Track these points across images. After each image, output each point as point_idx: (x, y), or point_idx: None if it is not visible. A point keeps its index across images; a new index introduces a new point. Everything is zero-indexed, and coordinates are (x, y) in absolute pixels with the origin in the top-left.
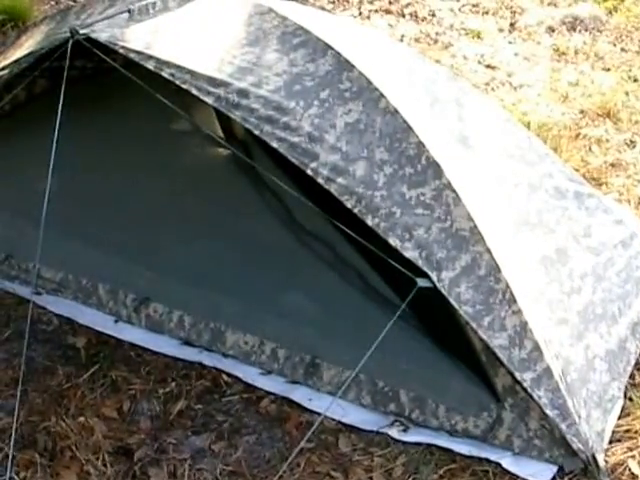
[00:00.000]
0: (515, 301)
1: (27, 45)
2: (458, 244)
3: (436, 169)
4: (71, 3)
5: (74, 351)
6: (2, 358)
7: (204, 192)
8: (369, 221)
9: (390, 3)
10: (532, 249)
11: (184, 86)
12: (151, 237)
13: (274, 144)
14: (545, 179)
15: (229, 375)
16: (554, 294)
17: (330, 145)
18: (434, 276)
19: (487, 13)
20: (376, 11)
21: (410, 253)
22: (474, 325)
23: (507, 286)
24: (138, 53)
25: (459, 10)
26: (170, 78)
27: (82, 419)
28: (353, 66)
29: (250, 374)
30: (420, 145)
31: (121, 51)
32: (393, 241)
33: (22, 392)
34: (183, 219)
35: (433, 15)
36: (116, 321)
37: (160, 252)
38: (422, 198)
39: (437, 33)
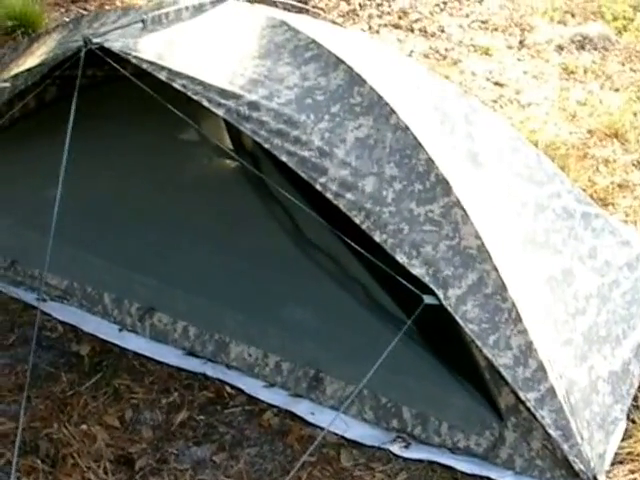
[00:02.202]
0: (521, 320)
1: (39, 53)
2: (465, 262)
3: (445, 186)
4: (81, 11)
5: (78, 358)
6: (6, 364)
7: (211, 203)
8: (377, 237)
9: (400, 18)
10: (538, 269)
11: (195, 97)
12: (157, 247)
13: (283, 158)
14: (553, 199)
15: (232, 387)
16: (559, 314)
17: (340, 160)
18: (440, 293)
19: (496, 30)
20: (385, 25)
21: (417, 270)
22: (479, 343)
23: (513, 305)
24: (151, 63)
25: (468, 26)
26: (182, 89)
27: (84, 427)
28: (364, 81)
29: (253, 386)
30: (430, 162)
31: (134, 61)
32: (400, 258)
33: (26, 398)
34: (190, 229)
35: (442, 31)
36: (120, 330)
37: (166, 262)
38: (430, 215)
39: (446, 49)
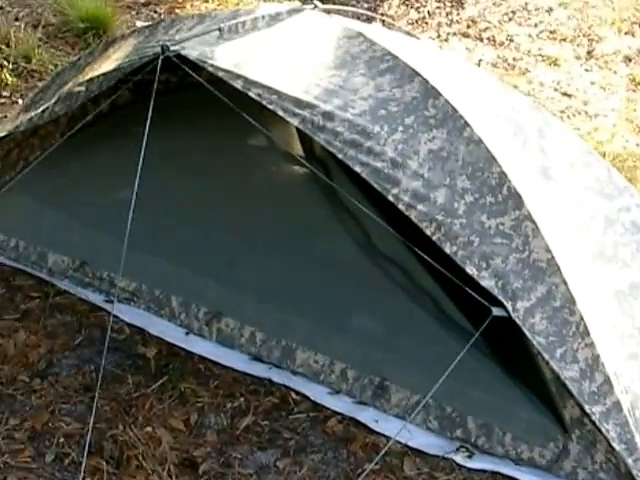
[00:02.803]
0: (588, 334)
1: (115, 57)
2: (535, 275)
3: (517, 199)
4: (152, 14)
5: (144, 361)
6: (73, 364)
7: (281, 209)
8: (447, 249)
9: (468, 27)
10: (606, 282)
11: (270, 107)
12: (225, 252)
13: (357, 168)
14: (622, 213)
15: (297, 393)
16: (625, 328)
17: (413, 171)
18: (509, 306)
19: (564, 40)
20: (454, 34)
21: (486, 282)
22: (546, 356)
23: (581, 319)
24: (227, 72)
25: (537, 36)
26: (257, 98)
27: (149, 429)
28: (440, 93)
29: (318, 393)
30: (502, 175)
31: (210, 69)
32: (470, 269)
33: (90, 399)
34: (258, 235)
35: (511, 40)
36: (187, 333)
37: (234, 267)
38: (501, 228)
39: (514, 58)
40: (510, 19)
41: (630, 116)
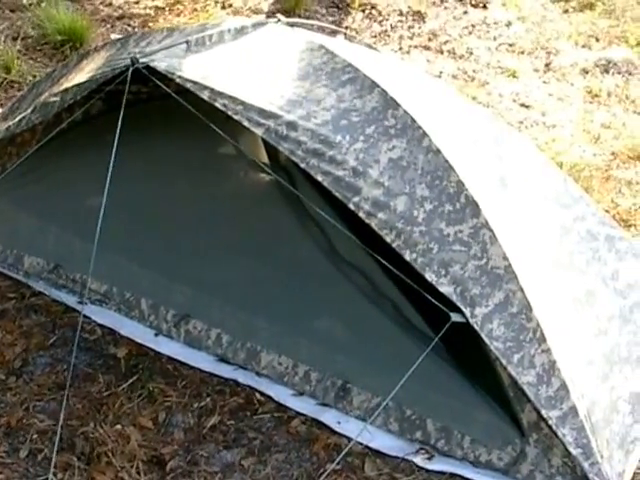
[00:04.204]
0: (545, 340)
1: (88, 69)
2: (492, 281)
3: (474, 208)
4: (126, 27)
5: (115, 361)
6: (47, 363)
7: (247, 216)
8: (407, 256)
9: (429, 40)
10: (562, 290)
11: (236, 117)
12: (194, 257)
13: (319, 177)
14: (578, 222)
15: (262, 394)
16: (582, 335)
17: (373, 180)
18: (468, 312)
19: (523, 53)
20: (416, 47)
21: (445, 288)
22: (504, 361)
23: (538, 325)
24: (194, 83)
25: (496, 49)
26: (223, 108)
27: (119, 427)
28: (398, 104)
29: (282, 394)
30: (460, 184)
31: (178, 80)
32: (429, 276)
33: (63, 397)
34: (225, 241)
35: (471, 53)
36: (156, 334)
37: (201, 271)
38: (460, 235)
39: (474, 70)
40: (470, 32)
41: (587, 127)
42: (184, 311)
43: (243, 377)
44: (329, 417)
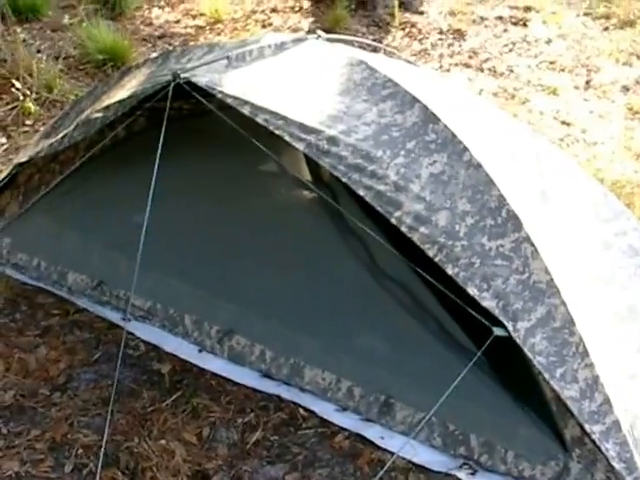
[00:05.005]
0: (588, 354)
1: (129, 86)
2: (535, 296)
3: (516, 222)
4: (167, 46)
5: (159, 376)
6: (91, 379)
7: (290, 232)
8: (449, 270)
9: (470, 57)
10: (604, 305)
11: (277, 132)
12: (237, 272)
13: (360, 192)
14: (619, 237)
15: (305, 409)
16: (623, 349)
17: (415, 194)
18: (510, 326)
19: (563, 70)
20: (456, 65)
21: (487, 302)
22: (547, 376)
23: (581, 339)
24: (235, 98)
25: (536, 67)
26: (264, 123)
27: (163, 442)
28: (439, 119)
29: (326, 409)
30: (501, 198)
31: (219, 95)
32: (472, 290)
33: (107, 412)
34: (268, 257)
35: (511, 71)
36: (200, 350)
37: (245, 287)
38: (501, 249)
39: (514, 88)
40: (510, 50)
41: (628, 144)
42: (228, 327)
43: (287, 392)
44: (372, 432)
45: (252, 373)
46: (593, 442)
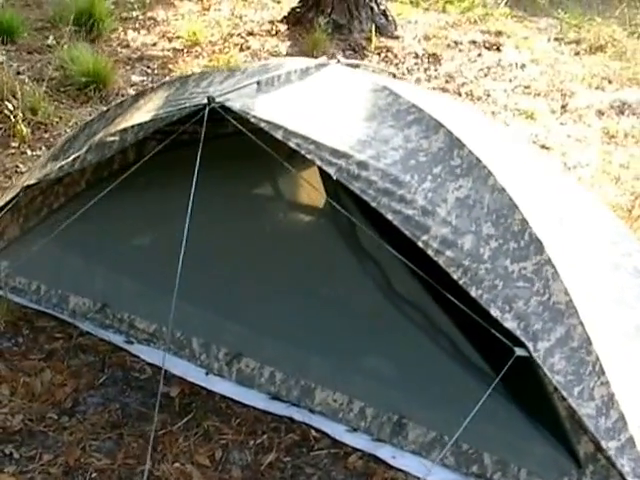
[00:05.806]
0: (604, 373)
1: (147, 109)
2: (554, 316)
3: (538, 245)
4: (145, 69)
5: (168, 399)
6: (98, 402)
7: (303, 253)
8: (473, 292)
9: (447, 82)
10: (615, 324)
11: (309, 156)
12: (245, 294)
13: (389, 216)
14: (625, 258)
15: (317, 430)
16: (634, 368)
17: (441, 218)
18: (530, 346)
19: (539, 95)
20: (434, 89)
21: (509, 324)
22: (565, 394)
23: (597, 358)
24: (268, 122)
25: (512, 91)
26: (296, 148)
27: (178, 465)
28: (464, 144)
29: (337, 430)
30: (524, 222)
31: (252, 120)
32: (494, 312)
33: (118, 436)
34: (277, 278)
35: (488, 95)
36: (207, 373)
37: (254, 309)
38: (524, 272)
39: (493, 112)
40: (486, 75)
41: (606, 168)
42: (236, 349)
43: (298, 414)
44: (385, 452)
45: (261, 395)
46: (607, 458)
